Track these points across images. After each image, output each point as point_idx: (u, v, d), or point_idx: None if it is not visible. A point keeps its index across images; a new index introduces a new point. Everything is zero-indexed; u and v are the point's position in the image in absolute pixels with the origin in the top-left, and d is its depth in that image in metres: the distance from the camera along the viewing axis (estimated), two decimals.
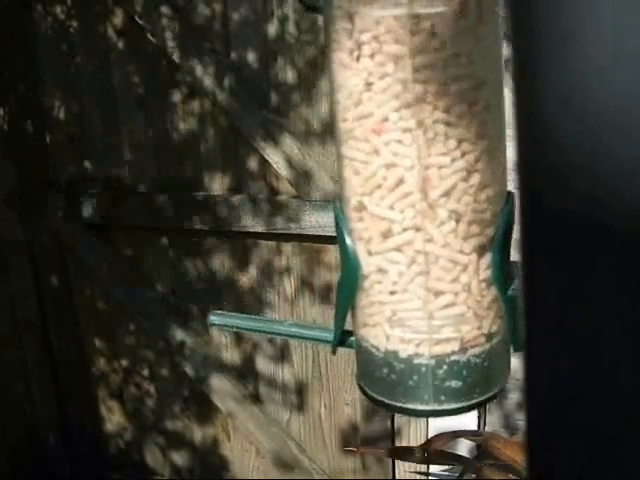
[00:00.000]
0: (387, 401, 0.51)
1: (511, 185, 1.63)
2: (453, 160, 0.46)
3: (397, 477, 1.72)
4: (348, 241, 0.50)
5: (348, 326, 0.54)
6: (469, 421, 1.52)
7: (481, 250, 0.48)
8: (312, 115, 1.58)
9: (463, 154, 0.46)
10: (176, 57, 1.63)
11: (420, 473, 1.56)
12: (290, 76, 1.58)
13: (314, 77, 1.55)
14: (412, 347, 0.49)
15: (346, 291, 0.51)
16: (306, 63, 1.55)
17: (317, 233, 1.59)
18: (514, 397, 1.54)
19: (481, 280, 0.49)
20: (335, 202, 0.52)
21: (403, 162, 0.46)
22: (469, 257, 0.48)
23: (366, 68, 0.45)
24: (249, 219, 1.65)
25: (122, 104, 1.77)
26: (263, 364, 1.82)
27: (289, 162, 1.58)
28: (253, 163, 1.66)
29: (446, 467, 1.46)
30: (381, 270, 0.49)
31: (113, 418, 2.08)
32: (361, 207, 0.48)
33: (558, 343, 0.24)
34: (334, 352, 0.55)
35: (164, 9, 1.61)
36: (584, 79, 0.21)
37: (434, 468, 1.51)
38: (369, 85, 0.45)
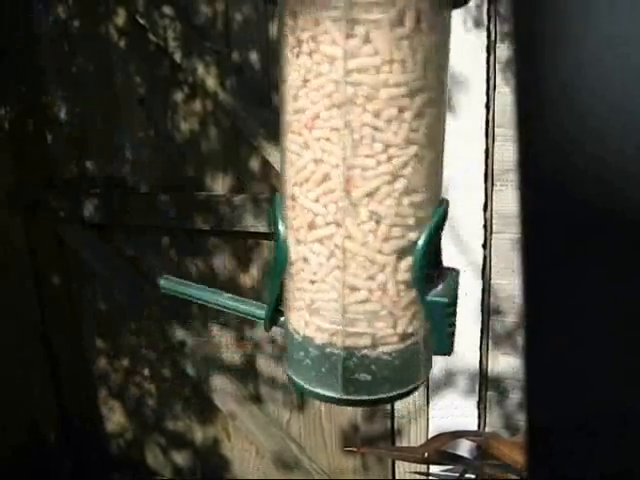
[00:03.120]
0: (302, 383, 0.53)
1: (511, 185, 1.61)
2: (378, 163, 0.47)
3: (397, 477, 1.72)
4: (281, 227, 0.52)
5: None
6: (470, 421, 1.52)
7: (401, 253, 0.49)
8: None
9: (389, 158, 0.47)
10: (178, 57, 1.63)
11: (420, 473, 1.56)
12: None
13: None
14: (326, 336, 0.51)
15: (276, 274, 0.53)
16: None
17: None
18: (515, 397, 1.54)
19: (399, 281, 0.50)
20: (278, 190, 0.54)
21: (329, 159, 0.47)
22: (387, 258, 0.49)
23: (304, 65, 0.47)
24: (251, 219, 1.66)
25: (123, 104, 1.77)
26: (263, 364, 1.83)
27: None
28: (255, 163, 1.66)
29: (446, 467, 1.46)
30: (305, 259, 0.51)
31: (114, 418, 2.09)
32: (293, 197, 0.50)
33: (559, 343, 0.24)
34: (267, 329, 0.58)
35: (166, 9, 1.61)
36: (585, 79, 0.21)
37: (434, 468, 1.52)
38: (306, 82, 0.47)
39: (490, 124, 1.39)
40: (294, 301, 0.53)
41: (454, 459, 1.22)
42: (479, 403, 1.53)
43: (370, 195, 0.48)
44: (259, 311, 0.58)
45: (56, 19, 1.78)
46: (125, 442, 2.09)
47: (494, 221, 1.45)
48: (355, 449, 1.71)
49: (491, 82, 1.36)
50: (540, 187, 0.23)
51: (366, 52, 0.45)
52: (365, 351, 0.51)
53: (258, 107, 1.60)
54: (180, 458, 2.03)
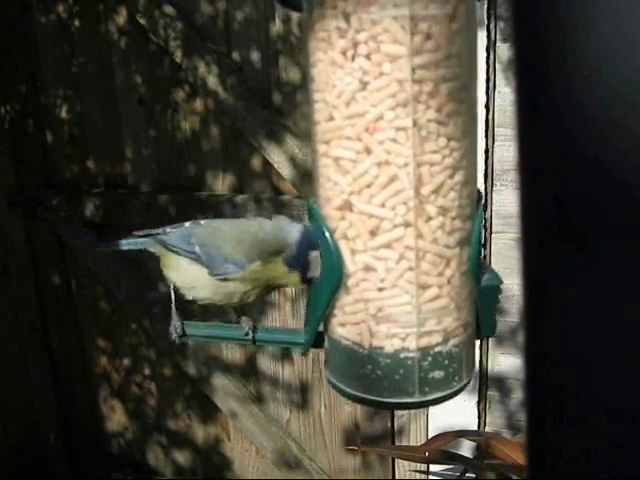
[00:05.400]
0: (370, 397, 0.52)
1: (511, 185, 1.61)
2: (443, 157, 0.48)
3: (397, 476, 1.72)
4: (330, 241, 0.50)
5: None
6: (470, 421, 1.52)
7: (462, 244, 0.50)
8: None
9: (451, 151, 0.48)
10: (178, 57, 1.63)
11: (420, 472, 1.56)
12: (292, 76, 1.58)
13: None
14: (398, 341, 0.50)
15: (326, 292, 0.51)
16: None
17: None
18: (515, 397, 1.54)
19: (462, 272, 0.51)
20: (310, 202, 0.52)
21: (396, 160, 0.47)
22: (453, 251, 0.50)
23: (361, 67, 0.46)
24: None
25: (124, 103, 1.77)
26: (264, 364, 1.83)
27: (291, 162, 1.58)
28: (256, 163, 1.66)
29: (446, 467, 1.46)
30: (367, 268, 0.49)
31: (114, 417, 2.09)
32: (346, 206, 0.49)
33: (560, 344, 0.24)
34: (305, 354, 0.56)
35: (166, 8, 1.61)
36: (587, 78, 0.21)
37: (434, 468, 1.52)
38: (364, 84, 0.46)
39: (490, 124, 1.38)
40: (352, 315, 0.51)
41: (454, 459, 1.22)
42: (479, 403, 1.53)
43: (437, 191, 0.48)
44: (293, 337, 0.57)
45: (56, 19, 1.78)
46: (125, 442, 2.09)
47: (494, 221, 1.45)
48: (356, 448, 1.71)
49: (491, 82, 1.36)
50: (540, 186, 0.23)
51: (429, 48, 0.45)
52: (438, 348, 0.51)
53: (258, 107, 1.60)
54: (181, 458, 2.03)
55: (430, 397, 0.51)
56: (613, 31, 0.20)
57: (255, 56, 1.60)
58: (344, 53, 0.46)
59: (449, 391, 0.52)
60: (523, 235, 0.24)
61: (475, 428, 1.52)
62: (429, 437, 1.49)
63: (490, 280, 0.53)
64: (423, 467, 1.53)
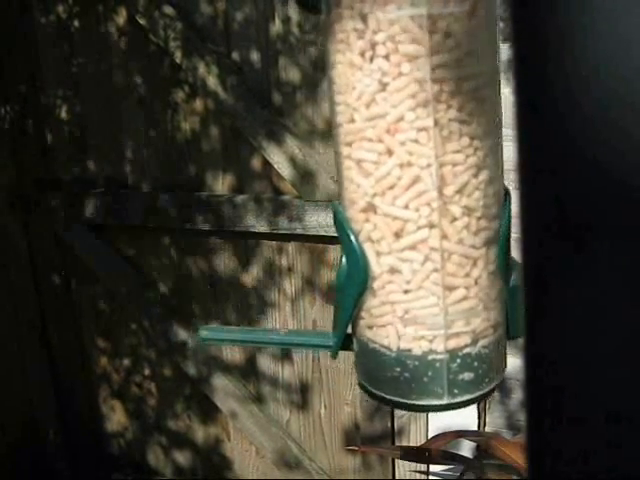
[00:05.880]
0: (399, 400, 0.51)
1: (511, 185, 1.62)
2: (467, 157, 0.47)
3: (397, 477, 1.72)
4: (355, 244, 0.50)
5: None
6: (470, 421, 1.52)
7: (489, 243, 0.50)
8: (314, 115, 1.58)
9: (475, 150, 0.47)
10: (178, 57, 1.63)
11: (421, 472, 1.56)
12: (292, 76, 1.58)
13: (316, 77, 1.56)
14: (426, 343, 0.50)
15: (352, 294, 0.51)
16: (308, 63, 1.55)
17: (320, 233, 1.59)
18: (516, 397, 1.54)
19: (490, 273, 0.50)
20: (335, 205, 0.52)
21: (419, 161, 0.46)
22: (480, 251, 0.49)
23: (380, 68, 0.46)
24: (252, 219, 1.66)
25: (124, 104, 1.77)
26: (264, 364, 1.83)
27: (291, 163, 1.58)
28: (256, 163, 1.66)
29: (446, 467, 1.46)
30: (392, 270, 0.49)
31: (114, 417, 2.09)
32: (370, 208, 0.49)
33: (560, 343, 0.24)
34: (335, 357, 0.55)
35: (166, 9, 1.61)
36: (587, 78, 0.21)
37: (434, 468, 1.52)
38: (384, 85, 0.46)
39: None
40: (378, 317, 0.51)
41: (454, 459, 1.22)
42: (479, 403, 1.53)
43: (461, 191, 0.47)
44: (322, 340, 0.56)
45: (56, 19, 1.78)
46: (125, 442, 2.09)
47: None
48: (356, 448, 1.71)
49: None
50: (540, 186, 0.23)
51: (448, 47, 0.45)
52: (467, 349, 0.50)
53: (258, 107, 1.60)
54: (180, 458, 2.03)
55: (459, 399, 0.50)
56: (611, 30, 0.20)
57: (255, 56, 1.60)
58: (362, 54, 0.46)
59: (479, 393, 0.51)
60: (523, 235, 0.24)
61: (475, 428, 1.52)
62: (429, 437, 1.49)
63: (519, 279, 0.52)
64: (423, 467, 1.53)
